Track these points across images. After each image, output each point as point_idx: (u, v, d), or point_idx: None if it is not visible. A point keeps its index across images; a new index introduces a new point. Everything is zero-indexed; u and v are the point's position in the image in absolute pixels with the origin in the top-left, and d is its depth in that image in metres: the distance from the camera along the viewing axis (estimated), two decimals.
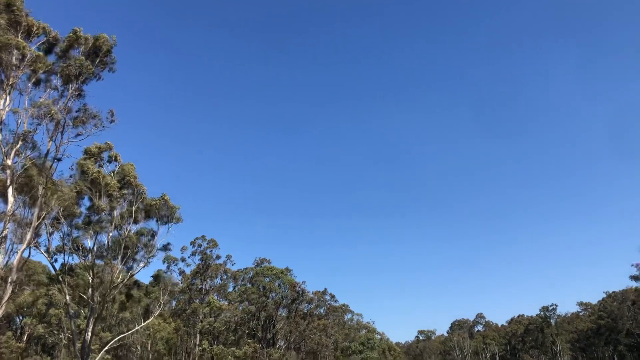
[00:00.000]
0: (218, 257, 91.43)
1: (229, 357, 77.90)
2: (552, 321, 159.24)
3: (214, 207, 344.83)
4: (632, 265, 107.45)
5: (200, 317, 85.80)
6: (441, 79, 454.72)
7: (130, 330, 58.40)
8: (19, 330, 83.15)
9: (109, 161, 49.76)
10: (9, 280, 30.20)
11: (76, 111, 36.22)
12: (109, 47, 36.07)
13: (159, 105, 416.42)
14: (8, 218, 30.42)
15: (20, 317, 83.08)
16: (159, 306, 53.41)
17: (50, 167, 34.18)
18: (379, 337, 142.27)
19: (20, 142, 31.95)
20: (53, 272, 47.49)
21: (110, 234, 46.96)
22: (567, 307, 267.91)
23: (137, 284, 52.59)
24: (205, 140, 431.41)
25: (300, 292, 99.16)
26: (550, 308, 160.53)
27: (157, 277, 55.29)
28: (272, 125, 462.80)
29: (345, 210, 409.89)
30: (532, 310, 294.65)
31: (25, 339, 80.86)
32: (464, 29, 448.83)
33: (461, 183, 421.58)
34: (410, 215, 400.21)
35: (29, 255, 39.87)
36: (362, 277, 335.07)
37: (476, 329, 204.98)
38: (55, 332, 56.17)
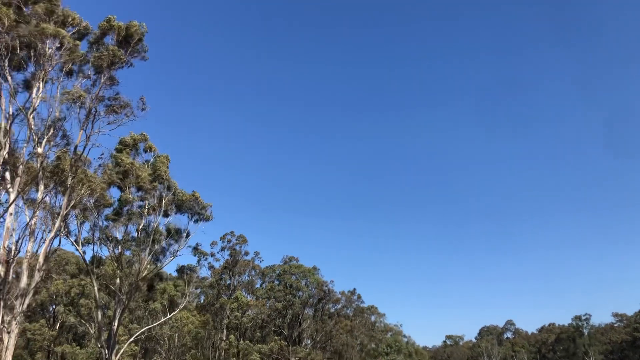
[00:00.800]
0: (247, 254, 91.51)
1: (255, 353, 77.87)
2: (585, 331, 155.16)
3: (243, 204, 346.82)
4: None
5: (228, 312, 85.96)
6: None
7: (157, 322, 58.69)
8: (52, 319, 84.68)
9: (145, 151, 50.11)
10: (37, 268, 30.38)
11: (108, 99, 36.29)
12: (140, 35, 36.06)
13: (187, 98, 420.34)
14: (38, 205, 30.65)
15: (54, 306, 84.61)
16: (184, 299, 53.53)
17: (81, 156, 34.35)
18: (405, 340, 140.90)
19: (51, 131, 32.13)
20: (83, 262, 47.93)
21: (140, 226, 47.19)
22: (601, 317, 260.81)
23: (159, 275, 52.71)
24: (237, 135, 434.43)
25: (327, 292, 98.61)
26: (584, 318, 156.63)
27: (180, 271, 55.42)
28: (305, 126, 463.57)
29: (377, 213, 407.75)
30: (564, 319, 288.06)
31: (57, 327, 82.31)
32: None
33: (494, 189, 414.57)
34: (441, 220, 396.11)
35: (59, 245, 40.30)
36: (391, 280, 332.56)
37: (505, 336, 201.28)
38: (84, 321, 56.86)
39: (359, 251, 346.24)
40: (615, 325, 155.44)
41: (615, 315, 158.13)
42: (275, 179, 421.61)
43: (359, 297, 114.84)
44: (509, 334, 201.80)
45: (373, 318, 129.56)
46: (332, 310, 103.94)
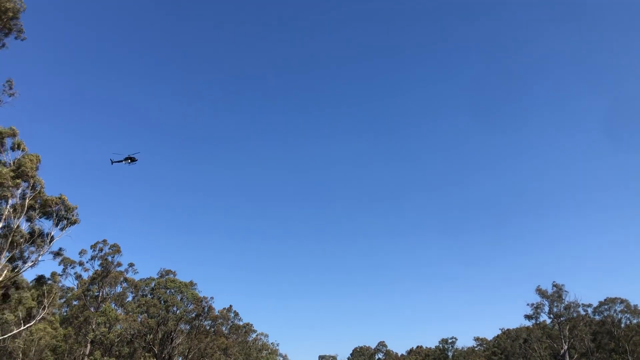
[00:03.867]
0: (119, 265, 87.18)
1: None
2: (450, 354, 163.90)
3: (123, 216, 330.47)
4: (528, 305, 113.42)
5: (94, 326, 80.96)
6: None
7: (7, 334, 53.63)
8: None
9: (12, 149, 46.34)
10: None
11: None
12: (15, 12, 32.98)
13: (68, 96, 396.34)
14: None
15: None
16: (42, 309, 49.46)
17: None
18: (281, 359, 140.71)
19: None
20: None
21: None
22: (465, 341, 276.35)
23: (15, 284, 48.25)
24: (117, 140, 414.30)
25: (207, 309, 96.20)
26: (450, 341, 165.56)
27: (39, 281, 51.15)
28: (184, 131, 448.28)
29: (259, 227, 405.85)
30: (433, 341, 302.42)
31: None
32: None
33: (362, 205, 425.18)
34: (321, 239, 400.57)
35: None
36: (269, 297, 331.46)
37: (377, 356, 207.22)
38: None
39: (243, 270, 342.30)
40: (477, 348, 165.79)
41: (477, 339, 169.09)
42: (158, 191, 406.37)
43: (236, 314, 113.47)
44: (380, 355, 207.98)
45: (251, 336, 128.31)
46: (208, 327, 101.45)
